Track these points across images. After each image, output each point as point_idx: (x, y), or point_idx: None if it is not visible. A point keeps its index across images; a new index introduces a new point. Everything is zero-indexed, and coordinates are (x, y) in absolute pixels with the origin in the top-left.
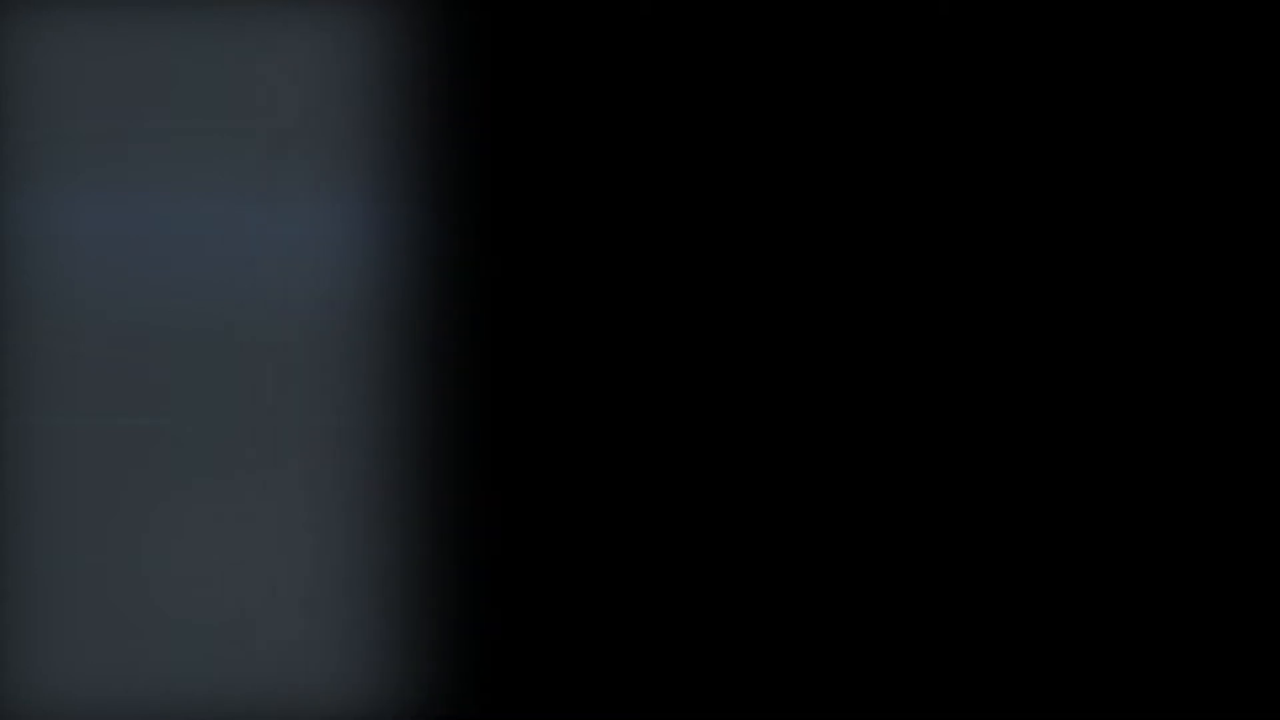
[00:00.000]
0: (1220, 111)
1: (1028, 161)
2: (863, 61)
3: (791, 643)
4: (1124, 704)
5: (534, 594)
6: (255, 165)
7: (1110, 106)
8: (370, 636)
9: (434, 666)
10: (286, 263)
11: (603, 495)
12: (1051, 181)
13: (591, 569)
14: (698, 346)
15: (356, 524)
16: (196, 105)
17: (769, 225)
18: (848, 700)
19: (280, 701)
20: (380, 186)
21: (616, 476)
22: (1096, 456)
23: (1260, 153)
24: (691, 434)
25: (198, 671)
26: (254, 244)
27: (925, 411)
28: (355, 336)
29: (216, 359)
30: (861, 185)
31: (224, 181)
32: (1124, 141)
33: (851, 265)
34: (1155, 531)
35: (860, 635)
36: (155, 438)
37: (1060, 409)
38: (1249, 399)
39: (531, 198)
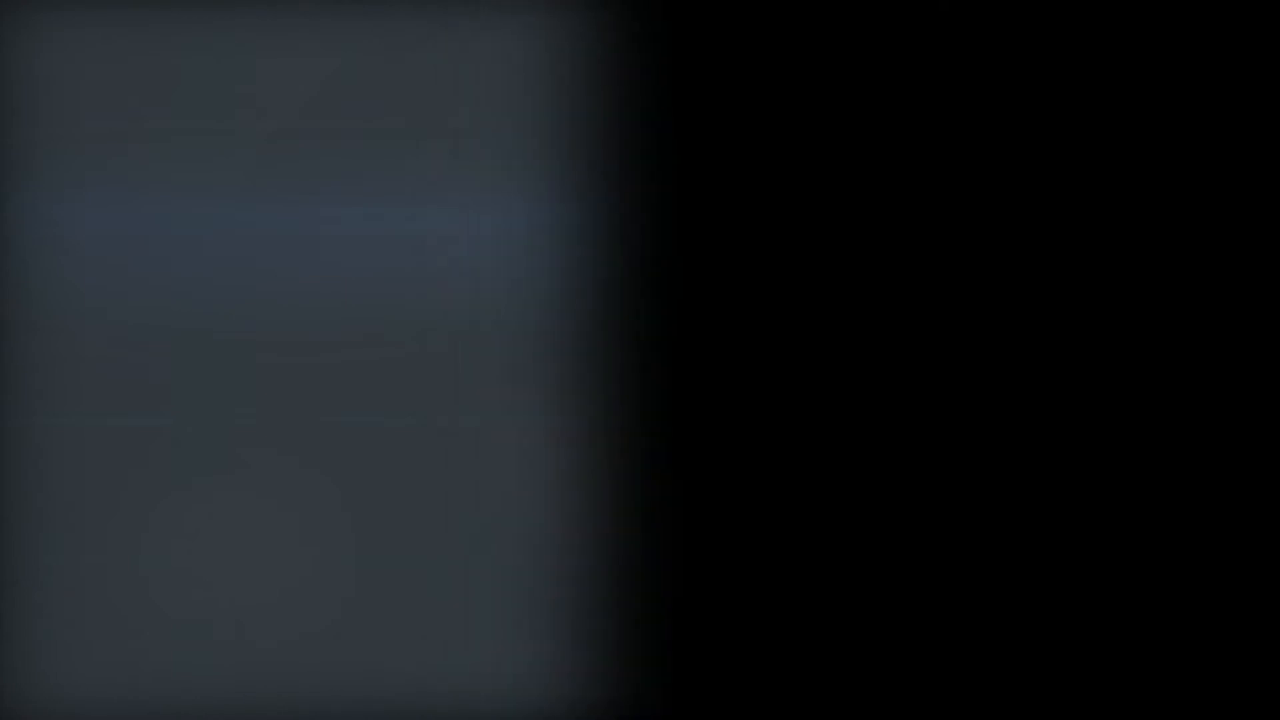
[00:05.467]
0: (1220, 111)
1: (1028, 161)
2: (861, 60)
3: (1000, 646)
4: (1125, 704)
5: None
6: (319, 164)
7: (1110, 106)
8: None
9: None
10: (308, 262)
11: (786, 495)
12: (1052, 181)
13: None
14: (884, 342)
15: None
16: (207, 104)
17: (944, 225)
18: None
19: (283, 702)
20: (492, 184)
21: (801, 476)
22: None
23: (1260, 153)
24: (883, 432)
25: (198, 671)
26: (298, 242)
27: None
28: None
29: (217, 359)
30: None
31: (224, 181)
32: (1124, 141)
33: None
34: (1156, 532)
35: (1063, 640)
36: (155, 438)
37: (1114, 416)
38: (1249, 399)
39: (704, 196)
